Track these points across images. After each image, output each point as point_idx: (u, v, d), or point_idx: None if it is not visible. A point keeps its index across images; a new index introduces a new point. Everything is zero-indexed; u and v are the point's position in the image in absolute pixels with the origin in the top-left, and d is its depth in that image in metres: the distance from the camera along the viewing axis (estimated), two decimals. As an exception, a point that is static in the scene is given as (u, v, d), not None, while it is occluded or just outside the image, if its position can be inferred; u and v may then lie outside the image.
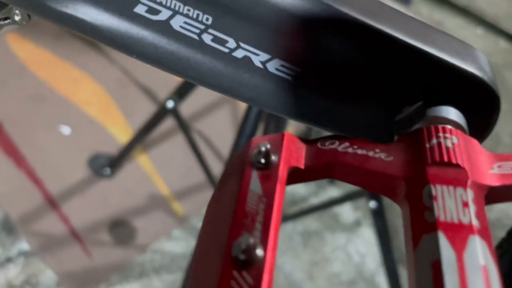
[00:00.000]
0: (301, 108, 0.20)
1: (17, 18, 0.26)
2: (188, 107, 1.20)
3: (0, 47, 1.53)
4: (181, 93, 1.06)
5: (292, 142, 0.18)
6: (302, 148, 0.18)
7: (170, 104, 1.08)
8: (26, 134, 1.36)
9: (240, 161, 0.17)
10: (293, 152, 0.18)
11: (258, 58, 0.19)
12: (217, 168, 1.27)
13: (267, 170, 0.17)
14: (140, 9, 0.19)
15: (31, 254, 1.16)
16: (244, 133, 0.78)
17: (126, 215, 1.28)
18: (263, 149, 0.17)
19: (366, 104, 0.20)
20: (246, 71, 0.20)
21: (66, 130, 1.39)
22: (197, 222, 1.30)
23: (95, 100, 1.47)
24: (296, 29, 0.18)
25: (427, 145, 0.17)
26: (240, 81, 0.20)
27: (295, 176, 0.18)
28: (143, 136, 1.23)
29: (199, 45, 0.19)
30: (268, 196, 0.16)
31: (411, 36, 0.18)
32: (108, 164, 1.32)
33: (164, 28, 0.19)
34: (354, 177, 0.18)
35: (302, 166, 0.18)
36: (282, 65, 0.19)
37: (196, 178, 1.32)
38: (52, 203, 1.25)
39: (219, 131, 1.41)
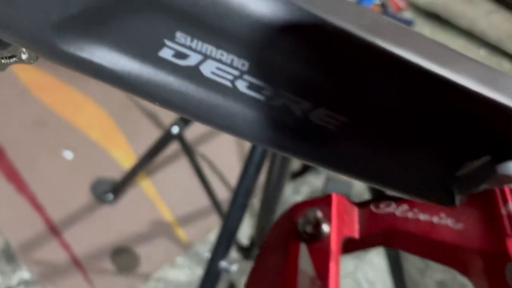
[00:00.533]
0: (348, 160, 0.18)
1: (24, 57, 0.24)
2: (192, 130, 1.18)
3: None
4: (186, 119, 1.04)
5: (342, 206, 0.15)
6: (354, 212, 0.16)
7: (175, 129, 1.06)
8: (28, 159, 1.34)
9: (284, 231, 0.15)
10: (345, 219, 0.15)
11: (299, 106, 0.17)
12: (221, 193, 1.24)
13: (318, 243, 0.14)
14: (166, 53, 0.16)
15: (32, 283, 1.12)
16: (252, 162, 0.75)
17: (128, 242, 1.24)
18: (312, 217, 0.14)
19: (421, 157, 0.17)
20: (284, 121, 0.17)
21: (68, 155, 1.37)
22: (201, 249, 1.26)
23: (98, 124, 1.45)
24: (346, 74, 0.16)
25: (504, 211, 0.15)
26: (276, 131, 0.17)
27: (348, 246, 0.15)
28: (147, 162, 1.20)
29: (232, 92, 0.17)
30: (323, 278, 0.13)
31: (477, 82, 0.16)
32: (111, 189, 1.29)
33: (192, 74, 0.17)
34: (417, 247, 0.15)
35: (357, 236, 0.15)
36: (327, 115, 0.17)
37: (200, 203, 1.29)
38: (53, 230, 1.22)
39: (223, 155, 1.39)
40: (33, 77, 1.52)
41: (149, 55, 0.17)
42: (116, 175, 1.30)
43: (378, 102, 0.17)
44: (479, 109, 0.16)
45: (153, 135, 1.29)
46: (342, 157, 0.18)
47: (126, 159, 1.38)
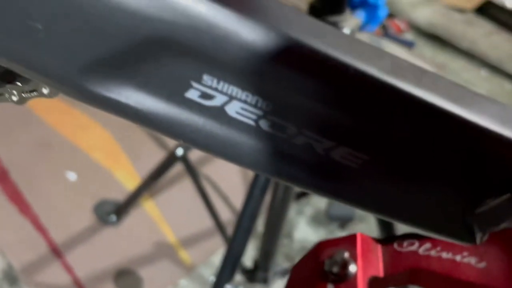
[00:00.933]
0: (368, 196, 0.18)
1: (45, 91, 0.24)
2: (196, 152, 1.18)
3: (8, 93, 1.53)
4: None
5: (366, 245, 0.16)
6: (377, 250, 0.16)
7: (179, 151, 1.06)
8: (31, 180, 1.34)
9: (309, 270, 0.15)
10: (369, 258, 0.15)
11: (321, 145, 0.17)
12: (225, 215, 1.24)
13: (345, 283, 0.14)
14: (192, 94, 0.17)
15: (33, 306, 1.11)
16: (257, 185, 0.75)
17: (131, 264, 1.24)
18: (339, 258, 0.14)
19: (440, 194, 0.18)
20: (306, 159, 0.18)
21: (72, 176, 1.37)
22: (205, 271, 1.25)
23: (101, 145, 1.45)
24: (369, 115, 0.16)
25: (527, 251, 0.15)
26: (299, 169, 0.18)
27: (374, 285, 0.15)
28: (150, 183, 1.20)
29: (256, 131, 0.17)
30: (352, 318, 0.14)
31: (495, 122, 0.16)
32: (114, 211, 1.29)
33: (217, 114, 0.17)
34: (441, 285, 0.15)
35: (382, 274, 0.15)
36: (349, 153, 0.17)
37: (203, 225, 1.28)
38: (56, 251, 1.21)
39: (227, 177, 1.39)
40: (38, 99, 1.53)
41: (176, 96, 0.17)
42: (119, 196, 1.30)
43: (400, 141, 0.17)
44: (498, 148, 0.16)
45: (156, 156, 1.29)
46: (362, 193, 0.18)
47: (129, 180, 1.38)
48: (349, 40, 0.17)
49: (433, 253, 0.16)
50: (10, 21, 0.16)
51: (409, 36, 2.17)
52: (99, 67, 0.17)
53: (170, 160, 1.11)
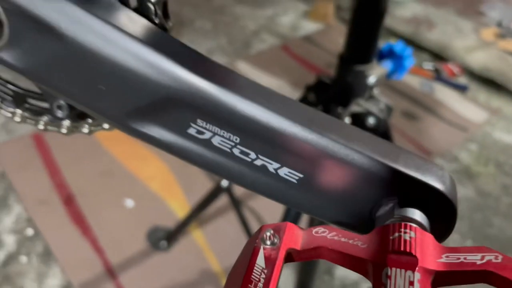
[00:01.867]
0: (305, 203, 0.27)
1: (106, 126, 0.36)
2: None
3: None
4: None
5: (292, 229, 0.25)
6: (300, 233, 0.25)
7: (224, 183, 1.17)
8: (94, 205, 1.50)
9: (253, 241, 0.24)
10: (292, 237, 0.25)
11: (272, 166, 0.27)
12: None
13: (271, 250, 0.24)
14: (191, 131, 0.27)
15: (88, 321, 1.23)
16: (290, 215, 0.84)
17: (178, 289, 1.34)
18: (268, 234, 0.24)
19: (353, 204, 0.27)
20: (263, 175, 0.27)
21: (130, 203, 1.51)
22: (246, 300, 1.32)
23: (158, 176, 1.60)
24: (298, 150, 0.26)
25: (391, 237, 0.23)
26: (259, 182, 0.28)
27: (291, 254, 0.24)
28: (199, 212, 1.32)
29: (231, 155, 0.27)
30: (269, 269, 0.23)
31: (386, 158, 0.25)
32: (165, 237, 1.41)
33: (207, 143, 0.28)
34: (337, 259, 0.24)
35: (298, 248, 0.24)
36: (289, 172, 0.27)
37: (246, 255, 1.36)
38: (111, 272, 1.34)
39: (269, 208, 1.48)
40: (104, 131, 1.72)
41: (182, 131, 0.28)
42: (171, 224, 1.43)
43: (324, 166, 0.26)
44: (388, 175, 0.25)
45: (207, 188, 1.42)
46: (301, 200, 0.28)
47: (181, 210, 1.50)
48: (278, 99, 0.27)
49: (335, 237, 0.25)
50: (85, 82, 0.28)
51: (462, 80, 2.19)
52: (136, 112, 0.28)
53: (216, 191, 1.23)
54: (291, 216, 0.84)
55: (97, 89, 0.28)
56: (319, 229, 0.25)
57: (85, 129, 0.36)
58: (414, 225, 0.24)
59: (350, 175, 0.26)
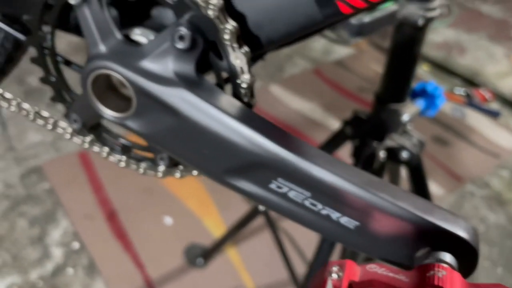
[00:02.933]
0: (359, 244, 0.36)
1: (194, 173, 0.46)
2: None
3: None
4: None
5: (352, 266, 0.34)
6: (358, 269, 0.34)
7: (262, 207, 1.27)
8: (135, 221, 1.61)
9: (322, 274, 0.34)
10: (352, 271, 0.34)
11: (334, 215, 0.36)
12: (300, 268, 1.40)
13: (337, 281, 0.33)
14: (272, 185, 0.37)
15: (129, 332, 1.33)
16: (326, 244, 0.92)
17: (213, 306, 1.43)
18: (334, 268, 0.33)
19: (397, 246, 0.36)
20: (327, 221, 0.37)
21: (168, 220, 1.62)
22: (278, 319, 1.40)
23: (195, 195, 1.70)
24: (356, 204, 0.35)
25: (428, 274, 0.32)
26: (323, 226, 0.37)
27: (352, 285, 0.33)
28: (235, 233, 1.41)
29: (302, 205, 0.37)
30: (336, 295, 0.32)
31: (424, 213, 0.34)
32: (202, 255, 1.50)
33: (284, 196, 0.37)
34: (385, 289, 0.33)
35: (357, 280, 0.33)
36: (348, 220, 0.36)
37: (280, 275, 1.45)
38: (150, 287, 1.44)
39: (303, 231, 1.56)
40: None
41: (265, 186, 0.37)
42: (206, 241, 1.52)
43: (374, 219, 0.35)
44: (422, 229, 0.34)
45: (241, 208, 1.51)
46: (356, 242, 0.37)
47: (216, 228, 1.60)
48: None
49: (385, 272, 0.33)
50: (192, 147, 0.38)
51: (494, 105, 2.24)
52: (231, 171, 0.38)
53: (253, 213, 1.32)
54: (327, 245, 0.92)
55: (202, 153, 0.38)
56: (372, 266, 0.34)
57: (177, 174, 0.46)
58: (445, 265, 0.33)
59: (396, 225, 0.35)
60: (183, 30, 0.36)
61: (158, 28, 0.42)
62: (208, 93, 0.37)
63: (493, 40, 2.68)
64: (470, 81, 2.35)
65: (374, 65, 2.48)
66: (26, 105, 0.48)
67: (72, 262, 1.48)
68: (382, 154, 0.91)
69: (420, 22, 0.78)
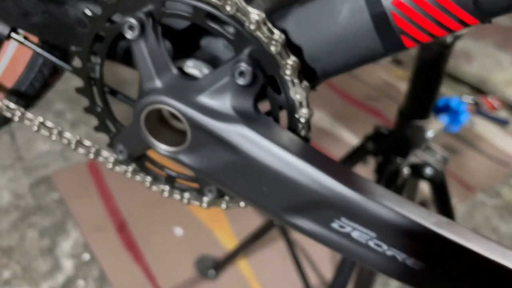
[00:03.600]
0: (425, 285, 0.36)
1: (242, 205, 0.45)
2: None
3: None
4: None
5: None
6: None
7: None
8: (145, 232, 1.60)
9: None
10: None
11: (401, 256, 0.35)
12: (313, 279, 1.39)
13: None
14: (334, 225, 0.36)
15: None
16: (347, 264, 0.92)
17: (225, 318, 1.42)
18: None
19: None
20: (392, 262, 0.36)
21: (179, 231, 1.61)
22: (291, 332, 1.39)
23: (206, 206, 1.69)
24: (425, 245, 0.34)
25: None
26: (386, 267, 0.36)
27: None
28: (248, 245, 1.40)
29: (366, 246, 0.36)
30: None
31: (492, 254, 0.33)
32: (213, 266, 1.49)
33: (346, 236, 0.36)
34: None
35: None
36: (413, 262, 0.35)
37: (292, 287, 1.44)
38: (162, 298, 1.43)
39: (317, 245, 1.55)
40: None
41: (327, 225, 0.36)
42: (217, 253, 1.51)
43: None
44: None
45: (252, 220, 1.50)
46: (416, 280, 0.36)
47: (228, 240, 1.59)
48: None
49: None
50: (250, 184, 0.37)
51: (502, 113, 2.24)
52: (290, 209, 0.37)
53: (268, 226, 1.31)
54: (348, 264, 0.92)
55: (260, 190, 0.37)
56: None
57: (223, 205, 0.45)
58: None
59: (469, 264, 0.34)
60: (244, 66, 0.35)
61: (209, 59, 0.41)
62: (268, 129, 0.37)
63: (500, 48, 2.68)
64: (478, 89, 2.35)
65: (382, 73, 2.48)
66: (67, 134, 0.47)
67: (82, 274, 1.47)
68: (406, 170, 0.90)
69: (449, 39, 0.78)
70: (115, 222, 1.62)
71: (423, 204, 1.32)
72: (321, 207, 0.36)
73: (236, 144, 0.36)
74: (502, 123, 2.18)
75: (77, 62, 0.42)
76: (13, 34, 0.43)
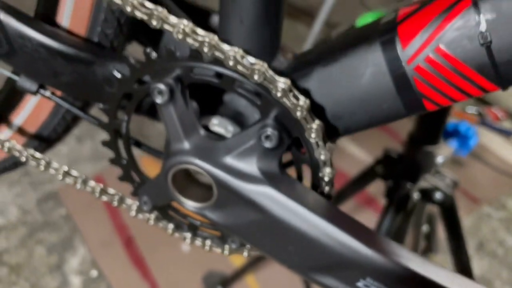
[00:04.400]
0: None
1: (245, 254, 0.46)
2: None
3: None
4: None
5: None
6: None
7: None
8: (152, 248, 1.61)
9: None
10: None
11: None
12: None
13: None
14: (360, 284, 0.38)
15: None
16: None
17: (232, 334, 1.43)
18: None
19: None
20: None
21: (186, 247, 1.62)
22: None
23: (212, 221, 1.70)
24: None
25: None
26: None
27: None
28: (256, 261, 1.41)
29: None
30: None
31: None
32: (221, 283, 1.50)
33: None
34: None
35: None
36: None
37: (299, 304, 1.45)
38: (170, 315, 1.44)
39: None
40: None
41: (352, 284, 0.38)
42: (224, 268, 1.52)
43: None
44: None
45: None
46: None
47: (235, 256, 1.60)
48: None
49: None
50: (276, 243, 0.39)
51: (507, 124, 2.25)
52: (316, 268, 0.38)
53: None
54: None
55: (286, 249, 0.38)
56: None
57: (245, 253, 0.47)
58: None
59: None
60: (271, 131, 0.36)
61: (233, 115, 0.42)
62: (293, 189, 0.38)
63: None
64: (482, 100, 2.36)
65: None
66: (92, 183, 0.48)
67: (91, 291, 1.48)
68: (415, 195, 0.91)
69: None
70: (122, 237, 1.63)
71: (430, 220, 1.33)
72: (347, 267, 0.37)
73: (262, 205, 0.37)
74: (506, 134, 2.20)
75: (104, 117, 0.43)
76: (40, 90, 0.44)
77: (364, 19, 1.10)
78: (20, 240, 1.58)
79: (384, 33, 0.37)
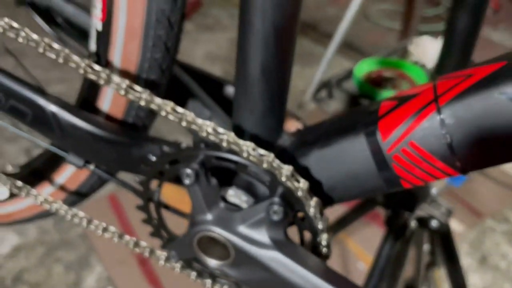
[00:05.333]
0: None
1: None
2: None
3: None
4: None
5: None
6: None
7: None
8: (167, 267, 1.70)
9: None
10: None
11: None
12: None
13: None
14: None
15: None
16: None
17: None
18: None
19: None
20: None
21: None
22: None
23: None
24: None
25: None
26: None
27: None
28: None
29: None
30: None
31: None
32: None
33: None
34: None
35: None
36: None
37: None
38: (184, 330, 1.54)
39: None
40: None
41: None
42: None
43: None
44: None
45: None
46: None
47: None
48: None
49: None
50: None
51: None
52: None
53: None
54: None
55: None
56: None
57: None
58: None
59: None
60: (277, 207, 0.46)
61: (245, 185, 0.52)
62: (296, 254, 0.48)
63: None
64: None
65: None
66: (127, 237, 0.58)
67: (108, 308, 1.58)
68: (413, 223, 1.00)
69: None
70: (138, 256, 1.73)
71: (432, 238, 1.42)
72: None
73: (271, 267, 0.47)
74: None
75: (139, 187, 0.53)
76: (86, 165, 0.54)
77: (361, 67, 1.20)
78: (39, 259, 1.69)
79: (368, 126, 0.46)
